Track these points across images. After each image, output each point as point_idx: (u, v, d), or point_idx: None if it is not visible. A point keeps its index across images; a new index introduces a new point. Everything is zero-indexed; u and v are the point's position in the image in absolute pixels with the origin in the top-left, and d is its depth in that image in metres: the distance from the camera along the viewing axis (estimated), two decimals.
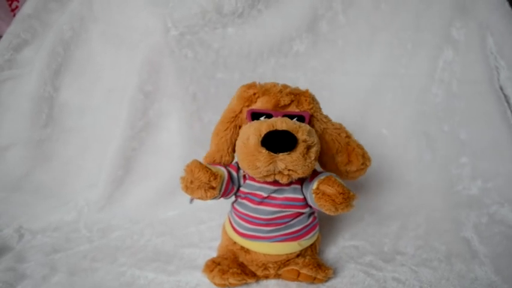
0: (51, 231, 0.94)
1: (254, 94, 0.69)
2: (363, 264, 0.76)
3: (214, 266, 0.69)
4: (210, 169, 0.62)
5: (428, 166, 1.02)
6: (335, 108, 1.05)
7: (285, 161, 0.58)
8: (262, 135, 0.58)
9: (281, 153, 0.57)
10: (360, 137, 1.05)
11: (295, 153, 0.57)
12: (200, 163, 0.62)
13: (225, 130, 0.71)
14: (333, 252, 0.81)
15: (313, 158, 0.60)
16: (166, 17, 0.99)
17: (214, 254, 0.77)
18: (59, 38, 1.06)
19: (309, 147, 0.59)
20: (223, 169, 0.68)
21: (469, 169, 0.98)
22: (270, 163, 0.58)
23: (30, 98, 1.06)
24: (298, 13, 1.03)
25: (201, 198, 0.63)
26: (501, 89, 0.99)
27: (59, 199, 1.04)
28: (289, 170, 0.59)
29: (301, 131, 0.59)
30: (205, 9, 0.99)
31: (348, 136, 0.71)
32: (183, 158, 1.02)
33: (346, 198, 0.59)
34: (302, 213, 0.70)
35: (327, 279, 0.70)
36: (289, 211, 0.68)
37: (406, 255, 0.78)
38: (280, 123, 0.59)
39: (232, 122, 0.70)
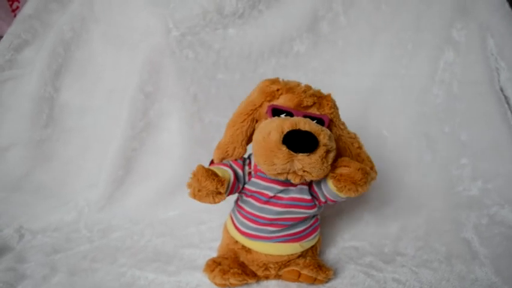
0: (52, 231, 0.94)
1: (277, 90, 0.67)
2: (363, 265, 0.76)
3: (215, 266, 0.69)
4: (216, 175, 0.61)
5: (429, 167, 1.02)
6: None
7: (303, 162, 0.57)
8: (285, 132, 0.57)
9: (301, 154, 0.57)
10: (360, 137, 1.05)
11: (314, 155, 0.57)
12: (206, 170, 0.60)
13: (242, 122, 0.69)
14: (333, 253, 0.81)
15: (329, 163, 0.60)
16: (168, 18, 0.99)
17: (214, 255, 0.77)
18: (60, 39, 1.06)
19: (328, 152, 0.59)
20: (229, 170, 0.67)
21: (469, 170, 0.98)
22: (288, 162, 0.57)
23: (31, 98, 1.06)
24: (298, 14, 1.03)
25: (209, 203, 0.63)
26: (501, 90, 0.99)
27: (59, 199, 1.04)
28: (304, 171, 0.59)
29: (323, 134, 0.58)
30: (206, 9, 0.99)
31: (360, 147, 0.71)
32: (183, 159, 1.02)
33: (365, 174, 0.59)
34: (306, 217, 0.70)
35: (328, 280, 0.70)
36: (296, 212, 0.68)
37: (406, 256, 0.78)
38: (303, 124, 0.58)
39: (251, 114, 0.69)
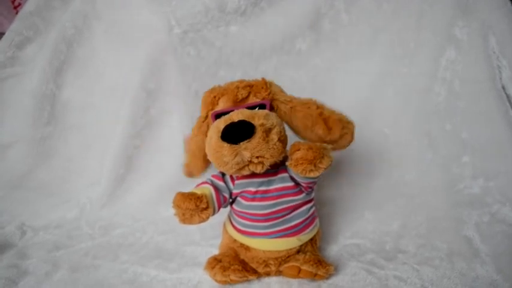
0: (53, 228, 0.94)
1: (215, 97, 0.69)
2: (365, 262, 0.75)
3: (215, 263, 0.69)
4: (194, 194, 0.64)
5: (430, 165, 1.01)
6: (337, 106, 1.06)
7: (248, 149, 0.59)
8: (221, 130, 0.59)
9: (242, 143, 0.58)
10: (362, 136, 1.05)
11: (254, 139, 0.58)
12: (182, 194, 0.64)
13: (195, 136, 0.73)
14: (334, 250, 0.81)
15: (276, 140, 0.61)
16: (170, 15, 0.99)
17: (215, 252, 0.77)
18: (62, 36, 1.06)
19: (268, 130, 0.60)
20: (208, 186, 0.69)
21: (470, 168, 0.98)
22: (236, 155, 0.59)
23: (32, 96, 1.06)
24: (300, 11, 1.03)
25: (201, 222, 0.65)
26: (503, 88, 0.99)
27: (60, 197, 1.04)
28: (257, 157, 0.60)
29: (257, 117, 0.60)
30: (209, 7, 0.99)
31: (320, 107, 0.70)
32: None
33: (316, 151, 0.59)
34: (299, 206, 0.70)
35: (328, 275, 0.70)
36: (285, 201, 0.68)
37: (407, 253, 0.78)
38: (236, 115, 0.61)
39: (200, 127, 0.72)
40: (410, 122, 1.05)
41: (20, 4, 1.17)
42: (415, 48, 1.04)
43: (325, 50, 1.07)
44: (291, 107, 0.70)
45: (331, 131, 0.69)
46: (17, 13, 1.11)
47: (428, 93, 1.04)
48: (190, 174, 0.80)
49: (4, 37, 1.06)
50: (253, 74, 1.04)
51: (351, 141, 0.71)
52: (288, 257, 0.71)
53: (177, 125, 1.04)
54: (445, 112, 1.03)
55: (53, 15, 1.09)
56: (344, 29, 1.06)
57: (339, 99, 1.05)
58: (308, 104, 0.70)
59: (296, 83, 1.06)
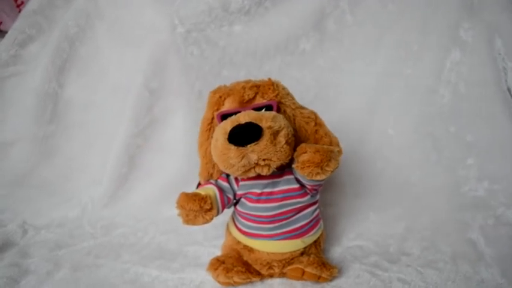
0: (55, 227, 0.94)
1: (220, 97, 0.69)
2: (368, 264, 0.75)
3: (218, 265, 0.69)
4: (198, 195, 0.63)
5: (435, 167, 1.01)
6: (341, 107, 1.06)
7: (256, 152, 0.58)
8: (228, 132, 0.59)
9: (249, 145, 0.58)
10: (366, 136, 1.05)
11: (262, 141, 0.58)
12: (186, 195, 0.63)
13: (206, 140, 0.71)
14: (337, 252, 0.81)
15: (283, 142, 0.60)
16: (173, 14, 0.99)
17: (218, 252, 0.77)
18: (64, 34, 1.06)
19: (276, 133, 0.59)
20: (212, 187, 0.69)
21: (475, 170, 0.98)
22: (242, 157, 0.58)
23: (35, 94, 1.06)
24: (305, 11, 1.03)
25: (205, 223, 0.64)
26: (508, 90, 0.99)
27: (62, 195, 1.04)
28: (264, 159, 0.59)
29: (265, 119, 0.59)
30: (212, 6, 0.99)
31: (319, 124, 0.70)
32: (188, 156, 1.02)
33: (323, 154, 0.59)
34: (304, 208, 0.70)
35: (332, 278, 0.70)
36: (289, 204, 0.68)
37: (411, 256, 0.77)
38: (243, 117, 0.60)
39: (209, 130, 0.71)
40: (415, 123, 1.04)
41: (22, 3, 1.16)
42: (420, 50, 1.04)
43: (329, 50, 1.06)
44: (293, 115, 0.69)
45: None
46: (19, 11, 1.11)
47: (433, 94, 1.03)
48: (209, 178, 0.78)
49: (7, 35, 1.06)
50: (257, 74, 1.04)
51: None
52: (292, 259, 0.70)
53: (180, 124, 1.03)
54: (449, 114, 1.02)
55: (55, 13, 1.08)
56: (348, 30, 1.05)
57: (342, 100, 1.06)
58: (308, 119, 0.69)
59: (300, 83, 1.05)
